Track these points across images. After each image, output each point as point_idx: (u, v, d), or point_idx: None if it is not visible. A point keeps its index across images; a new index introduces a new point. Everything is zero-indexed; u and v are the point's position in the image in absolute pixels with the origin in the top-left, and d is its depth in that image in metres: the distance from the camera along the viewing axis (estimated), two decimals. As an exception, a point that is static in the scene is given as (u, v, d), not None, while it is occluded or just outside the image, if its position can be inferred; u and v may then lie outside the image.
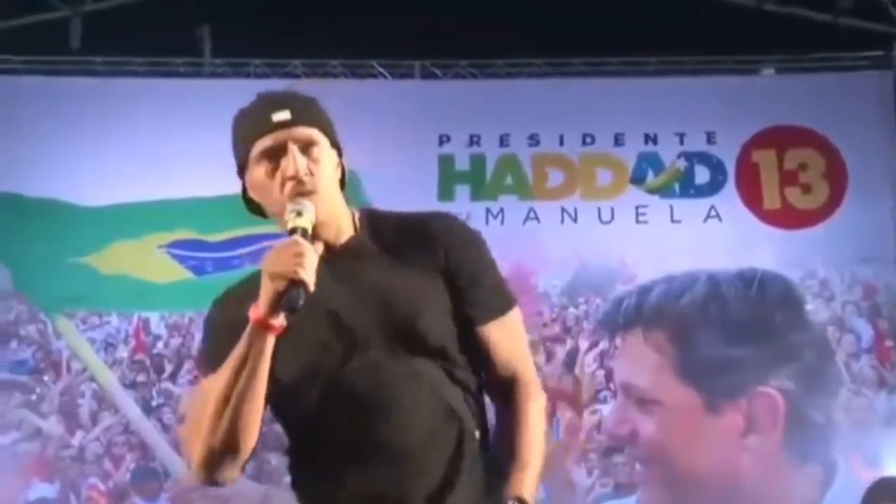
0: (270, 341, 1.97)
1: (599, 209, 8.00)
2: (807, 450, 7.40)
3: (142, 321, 7.81)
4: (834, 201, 8.05)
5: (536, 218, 8.01)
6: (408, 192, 7.41)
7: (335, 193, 2.15)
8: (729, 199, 8.07)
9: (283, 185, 2.09)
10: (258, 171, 2.14)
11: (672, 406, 7.08)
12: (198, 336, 7.79)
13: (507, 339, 2.14)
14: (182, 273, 7.80)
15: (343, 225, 2.16)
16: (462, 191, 8.01)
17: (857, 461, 7.04)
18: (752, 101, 8.15)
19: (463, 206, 7.61)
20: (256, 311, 1.96)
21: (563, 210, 8.00)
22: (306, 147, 2.11)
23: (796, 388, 7.42)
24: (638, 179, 8.11)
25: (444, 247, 2.11)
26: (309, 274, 1.94)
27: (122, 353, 7.72)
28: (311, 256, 1.96)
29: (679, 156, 8.13)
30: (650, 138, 8.13)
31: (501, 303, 2.15)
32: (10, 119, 7.86)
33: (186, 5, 7.81)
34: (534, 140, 8.12)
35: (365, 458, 2.03)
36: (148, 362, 7.73)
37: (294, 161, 2.08)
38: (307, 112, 2.17)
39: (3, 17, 7.99)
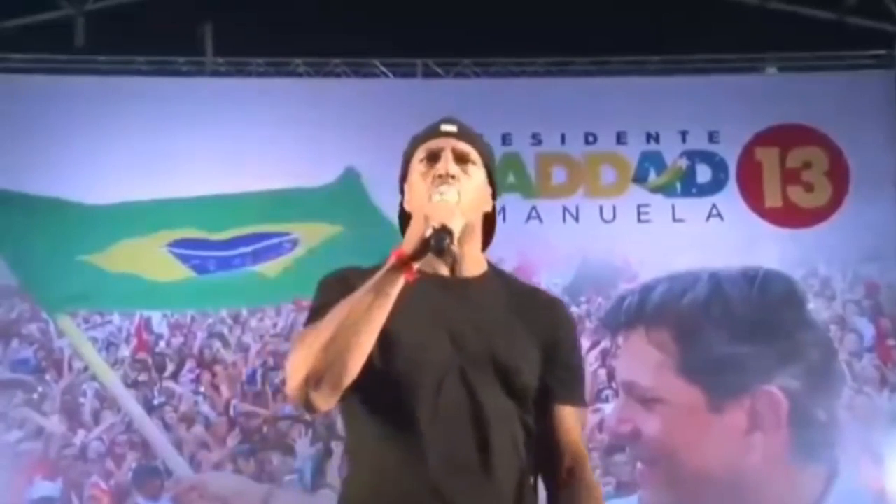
0: (401, 282, 2.05)
1: (602, 208, 8.00)
2: (810, 448, 7.38)
3: (143, 320, 7.81)
4: (836, 200, 8.05)
5: (539, 217, 8.01)
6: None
7: (475, 213, 2.24)
8: (731, 197, 8.07)
9: (431, 183, 2.19)
10: (414, 173, 2.27)
11: (675, 404, 7.05)
12: (200, 335, 7.80)
13: (579, 427, 2.30)
14: (185, 272, 7.80)
15: (475, 255, 2.27)
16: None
17: (860, 460, 7.04)
18: (755, 100, 8.14)
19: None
20: (401, 250, 2.05)
21: (566, 209, 8.00)
22: (462, 159, 2.24)
23: (800, 386, 7.40)
24: (640, 178, 8.11)
25: (553, 325, 2.26)
26: (457, 228, 2.05)
27: (124, 352, 7.72)
28: (459, 220, 2.07)
29: (681, 154, 8.13)
30: (652, 137, 8.13)
31: (582, 398, 2.33)
32: (15, 118, 7.86)
33: (189, 4, 7.81)
34: (536, 139, 8.12)
35: (442, 469, 2.08)
36: (150, 361, 7.72)
37: (447, 163, 2.21)
38: (473, 135, 2.31)
39: (8, 17, 8.00)
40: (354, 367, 2.04)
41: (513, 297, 2.26)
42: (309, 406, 2.08)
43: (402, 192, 2.30)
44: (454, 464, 2.07)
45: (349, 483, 2.19)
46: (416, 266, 2.05)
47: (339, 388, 2.05)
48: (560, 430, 2.25)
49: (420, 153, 2.26)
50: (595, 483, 2.29)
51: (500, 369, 2.15)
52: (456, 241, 2.05)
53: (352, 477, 2.19)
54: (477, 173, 2.24)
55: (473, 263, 2.26)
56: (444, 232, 2.02)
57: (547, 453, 2.23)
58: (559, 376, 2.24)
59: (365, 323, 2.03)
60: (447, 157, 2.22)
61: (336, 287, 2.16)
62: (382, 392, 2.10)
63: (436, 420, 2.08)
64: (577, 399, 2.29)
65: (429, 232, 2.02)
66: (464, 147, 2.25)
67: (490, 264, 2.30)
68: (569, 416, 2.27)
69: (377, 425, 2.13)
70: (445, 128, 2.28)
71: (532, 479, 2.20)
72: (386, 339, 2.07)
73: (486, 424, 2.11)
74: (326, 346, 2.03)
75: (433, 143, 2.26)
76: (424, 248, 2.03)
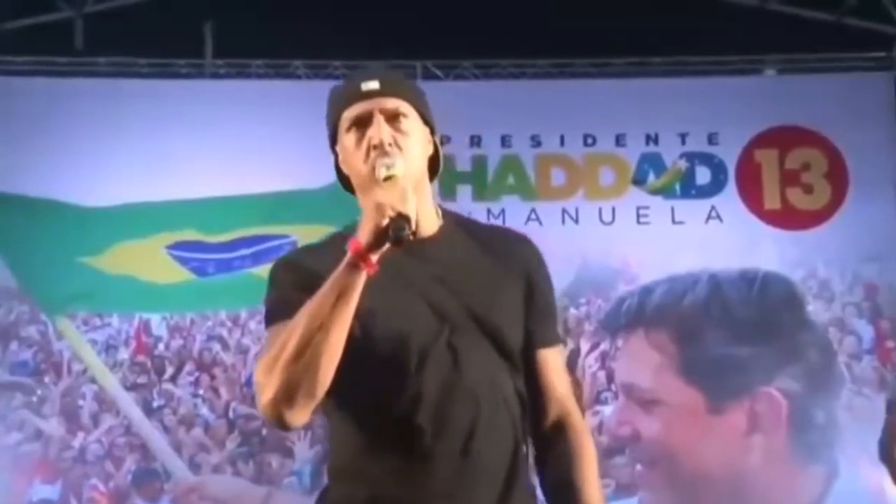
0: (362, 278, 1.94)
1: (601, 209, 8.00)
2: (809, 450, 7.38)
3: (143, 323, 7.81)
4: (835, 202, 8.05)
5: (538, 219, 8.01)
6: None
7: (422, 169, 2.14)
8: (730, 199, 8.07)
9: (367, 153, 2.08)
10: (346, 140, 2.16)
11: (674, 406, 7.05)
12: (199, 338, 7.80)
13: (562, 369, 2.19)
14: (184, 274, 7.79)
15: (428, 210, 2.15)
16: (463, 191, 8.01)
17: (859, 461, 7.03)
18: (755, 102, 8.15)
19: (464, 206, 7.60)
20: (357, 243, 1.94)
21: (565, 211, 8.00)
22: (393, 117, 2.11)
23: (799, 388, 7.40)
24: (640, 180, 8.11)
25: (526, 264, 2.15)
26: (412, 211, 1.93)
27: (123, 354, 7.72)
28: (412, 198, 1.95)
29: (680, 156, 8.13)
30: (652, 139, 8.13)
31: (558, 336, 2.23)
32: (14, 119, 7.87)
33: (188, 6, 7.81)
34: (535, 141, 8.12)
35: (436, 446, 2.00)
36: (149, 364, 7.73)
37: (379, 129, 2.08)
38: (398, 85, 2.16)
39: (8, 19, 8.00)
40: (326, 375, 1.94)
41: (479, 244, 2.15)
42: (282, 423, 1.98)
43: (333, 152, 2.22)
44: (445, 442, 1.99)
45: (331, 476, 2.15)
46: (374, 258, 1.93)
47: (313, 399, 1.96)
48: (545, 376, 2.15)
49: (346, 122, 2.15)
50: (584, 440, 2.16)
51: (486, 328, 2.06)
52: (414, 225, 1.93)
53: (333, 469, 2.15)
54: (412, 126, 2.11)
55: (429, 219, 2.14)
56: (401, 220, 1.91)
57: (532, 405, 2.13)
58: (538, 319, 2.13)
59: (330, 328, 1.93)
60: (378, 121, 2.09)
61: (289, 277, 2.08)
62: (365, 381, 2.01)
63: (424, 398, 1.99)
64: (555, 339, 2.20)
65: (384, 222, 1.91)
66: (392, 104, 2.11)
67: (444, 213, 2.19)
68: (552, 359, 2.17)
69: (363, 415, 2.05)
70: (367, 87, 2.13)
71: (525, 448, 2.11)
72: (361, 325, 1.98)
73: (476, 397, 2.02)
74: (294, 359, 1.93)
75: (358, 108, 2.12)
76: (382, 238, 1.92)
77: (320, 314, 1.93)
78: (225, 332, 7.84)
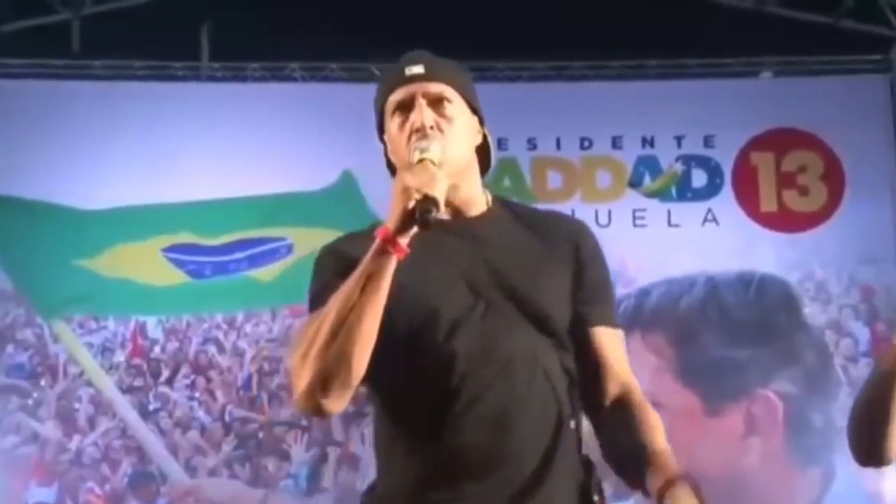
0: (392, 263, 1.92)
1: (597, 212, 8.00)
2: (806, 452, 7.41)
3: (139, 325, 7.80)
4: (832, 204, 8.06)
5: (534, 221, 8.00)
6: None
7: (466, 156, 2.12)
8: (726, 202, 8.07)
9: (408, 138, 2.06)
10: (391, 126, 2.12)
11: (671, 408, 7.08)
12: (195, 340, 7.79)
13: (619, 349, 2.13)
14: (180, 277, 7.79)
15: (475, 194, 2.14)
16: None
17: (855, 464, 7.03)
18: (751, 104, 8.15)
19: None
20: (385, 229, 1.91)
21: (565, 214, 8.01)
22: (437, 102, 2.09)
23: (796, 390, 7.44)
24: (636, 183, 8.11)
25: (576, 242, 2.11)
26: (441, 195, 1.91)
27: (120, 357, 7.71)
28: (443, 181, 1.93)
29: (677, 159, 8.13)
30: (648, 141, 8.13)
31: (614, 317, 2.14)
32: (10, 122, 7.86)
33: (185, 9, 7.80)
34: (531, 143, 8.12)
35: (469, 416, 1.97)
36: (145, 366, 7.71)
37: (421, 113, 2.06)
38: (443, 69, 2.15)
39: (3, 21, 7.99)
40: (359, 361, 1.93)
41: (525, 226, 2.13)
42: (320, 412, 1.97)
43: (382, 142, 2.19)
44: (477, 414, 1.96)
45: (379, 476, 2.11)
46: (404, 241, 1.91)
47: (347, 386, 1.94)
48: (601, 354, 2.08)
49: (390, 107, 2.11)
50: (651, 412, 2.08)
51: (526, 307, 2.02)
52: (442, 208, 1.92)
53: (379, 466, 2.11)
54: (456, 111, 2.10)
55: (475, 203, 2.14)
56: (427, 202, 1.88)
57: (591, 383, 2.08)
58: (587, 299, 2.08)
59: (361, 313, 1.91)
60: (420, 105, 2.07)
61: (331, 265, 2.06)
62: (396, 357, 1.99)
63: (455, 371, 1.97)
64: (610, 319, 2.11)
65: (411, 204, 1.89)
66: (436, 88, 2.09)
67: (495, 198, 2.18)
68: (607, 338, 2.10)
69: (395, 393, 2.03)
70: (410, 71, 2.11)
71: (573, 423, 2.05)
72: (393, 301, 1.96)
73: (510, 369, 1.98)
74: (326, 347, 1.92)
75: (402, 92, 2.09)
76: (409, 222, 1.89)
77: (350, 300, 1.92)
78: (221, 335, 7.83)
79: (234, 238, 7.83)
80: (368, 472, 7.47)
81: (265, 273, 7.78)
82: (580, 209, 7.95)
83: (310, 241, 7.71)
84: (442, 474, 1.97)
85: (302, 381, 1.95)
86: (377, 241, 1.92)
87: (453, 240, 2.05)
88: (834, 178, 8.09)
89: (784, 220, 8.06)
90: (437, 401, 1.98)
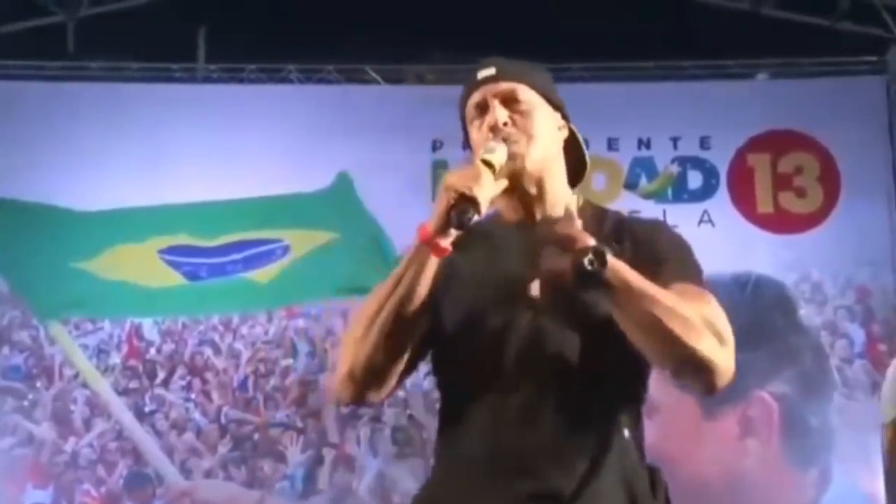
0: (433, 262, 1.93)
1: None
2: (803, 454, 7.41)
3: (134, 327, 7.79)
4: (828, 205, 8.06)
5: (531, 223, 8.00)
6: (401, 197, 7.39)
7: (548, 152, 2.10)
8: (722, 203, 8.07)
9: (485, 139, 2.06)
10: (472, 133, 2.12)
11: (668, 411, 7.07)
12: (191, 342, 7.78)
13: (698, 299, 2.00)
14: (176, 278, 7.79)
15: (559, 194, 2.11)
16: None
17: (852, 464, 7.05)
18: (747, 106, 8.15)
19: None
20: (425, 228, 1.92)
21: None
22: (510, 100, 2.09)
23: (791, 392, 7.44)
24: (632, 184, 8.11)
25: (652, 239, 2.06)
26: (483, 196, 1.90)
27: (115, 359, 7.70)
28: (490, 184, 1.92)
29: (673, 160, 8.13)
30: (644, 143, 8.14)
31: (698, 277, 2.04)
32: (7, 123, 7.85)
33: (182, 11, 7.80)
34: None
35: (517, 419, 1.96)
36: (141, 368, 7.71)
37: (494, 113, 2.07)
38: (515, 69, 2.15)
39: (0, 22, 7.99)
40: (392, 352, 1.95)
41: (607, 229, 2.08)
42: (353, 399, 2.00)
43: (470, 149, 2.16)
44: (530, 425, 1.95)
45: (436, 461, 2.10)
46: (445, 243, 1.91)
47: (384, 377, 1.97)
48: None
49: (470, 112, 2.12)
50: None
51: (581, 313, 1.96)
52: (483, 210, 1.90)
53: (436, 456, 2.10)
54: (532, 107, 2.10)
55: (559, 204, 2.08)
56: (465, 203, 1.87)
57: None
58: (658, 268, 1.98)
59: (398, 311, 1.93)
60: (493, 105, 2.08)
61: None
62: (451, 354, 2.01)
63: (500, 367, 1.96)
64: (687, 277, 2.00)
65: (451, 203, 1.88)
66: (507, 87, 2.10)
67: (587, 203, 2.15)
68: (681, 289, 1.96)
69: (455, 391, 2.04)
70: (482, 74, 2.13)
71: (626, 432, 2.02)
72: (453, 297, 1.98)
73: (563, 377, 1.96)
74: (361, 339, 1.95)
75: (476, 97, 2.11)
76: (448, 222, 1.89)
77: (386, 296, 1.94)
78: (217, 337, 7.82)
79: (231, 240, 7.82)
80: (364, 474, 7.49)
81: (261, 275, 7.78)
82: (576, 211, 7.96)
83: (306, 242, 7.72)
84: (486, 470, 1.96)
85: (342, 366, 1.99)
86: (416, 241, 1.94)
87: (525, 241, 2.01)
88: (830, 180, 8.09)
89: (780, 222, 8.06)
90: (486, 401, 1.98)
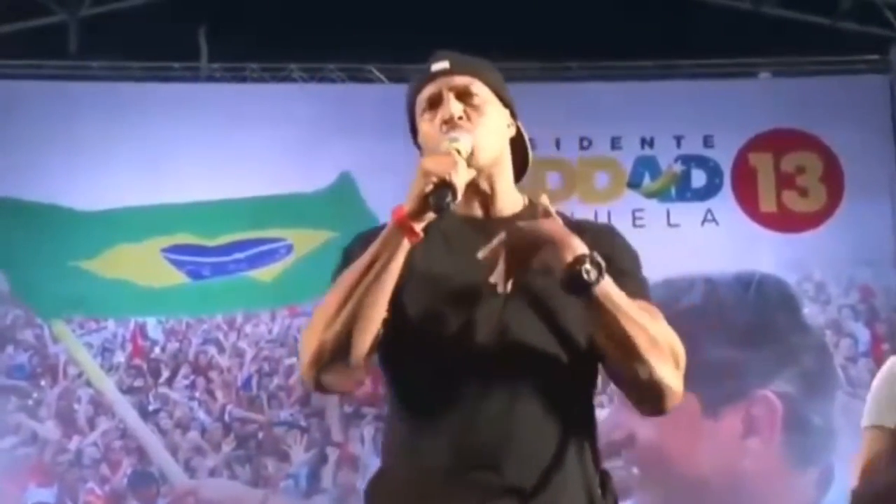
0: (404, 246, 1.93)
1: (596, 213, 7.99)
2: (805, 453, 7.41)
3: (139, 326, 7.80)
4: (831, 204, 8.06)
5: (533, 222, 7.99)
6: (404, 196, 7.38)
7: (498, 148, 2.12)
8: (725, 202, 8.07)
9: (439, 132, 2.05)
10: (422, 125, 2.12)
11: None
12: (195, 341, 7.79)
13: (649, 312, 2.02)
14: (179, 278, 7.80)
15: (508, 191, 2.15)
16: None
17: (854, 465, 7.04)
18: (750, 105, 8.15)
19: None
20: (400, 210, 1.92)
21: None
22: (464, 94, 2.10)
23: (795, 391, 7.44)
24: (635, 183, 8.11)
25: (603, 244, 2.02)
26: (459, 182, 1.91)
27: (119, 357, 7.71)
28: (464, 171, 1.94)
29: (676, 159, 8.13)
30: (647, 142, 8.14)
31: (646, 293, 2.08)
32: (9, 123, 7.85)
33: (184, 10, 7.80)
34: (531, 144, 8.11)
35: (477, 412, 1.96)
36: (145, 367, 7.72)
37: (449, 105, 2.07)
38: (469, 63, 2.15)
39: (1, 22, 7.98)
40: (361, 340, 1.93)
41: None
42: (319, 387, 1.98)
43: (417, 146, 2.17)
44: (490, 419, 1.95)
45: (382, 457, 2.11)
46: (418, 226, 1.92)
47: (348, 364, 1.94)
48: None
49: (420, 104, 2.12)
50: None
51: (543, 309, 1.98)
52: (460, 195, 1.91)
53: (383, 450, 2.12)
54: (485, 102, 2.11)
55: (509, 200, 2.14)
56: (444, 187, 1.88)
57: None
58: (628, 284, 1.99)
59: (367, 294, 1.92)
60: (448, 98, 2.07)
61: (356, 250, 2.04)
62: (410, 350, 1.99)
63: (469, 371, 1.96)
64: (639, 294, 2.02)
65: (428, 188, 1.89)
66: (462, 80, 2.10)
67: (531, 201, 2.17)
68: None
69: (410, 383, 2.03)
70: (436, 67, 2.12)
71: (586, 430, 2.05)
72: (414, 294, 1.98)
73: (524, 371, 1.97)
74: (329, 322, 1.93)
75: (429, 90, 2.10)
76: (424, 206, 1.90)
77: (359, 278, 1.93)
78: (221, 336, 7.83)
79: (234, 239, 7.83)
80: (368, 473, 7.49)
81: (265, 273, 7.79)
82: (579, 210, 7.95)
83: (309, 241, 7.73)
84: (445, 470, 1.96)
85: (306, 353, 1.96)
86: (390, 221, 1.93)
87: (480, 237, 2.01)
88: (833, 179, 8.09)
89: (783, 221, 8.06)
90: (446, 395, 1.97)
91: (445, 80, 2.10)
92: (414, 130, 2.18)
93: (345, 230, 8.37)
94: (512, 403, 1.96)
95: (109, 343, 7.75)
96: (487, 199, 2.12)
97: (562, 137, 8.12)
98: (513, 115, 2.20)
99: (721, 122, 8.10)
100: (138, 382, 7.68)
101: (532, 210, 2.10)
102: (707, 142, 8.15)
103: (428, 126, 2.10)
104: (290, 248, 7.79)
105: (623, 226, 8.05)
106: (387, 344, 1.99)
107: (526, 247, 1.93)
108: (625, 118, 8.08)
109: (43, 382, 7.62)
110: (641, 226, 8.02)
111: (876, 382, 3.07)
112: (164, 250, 7.78)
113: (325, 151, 7.76)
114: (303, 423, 7.59)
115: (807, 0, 8.26)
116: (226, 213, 7.83)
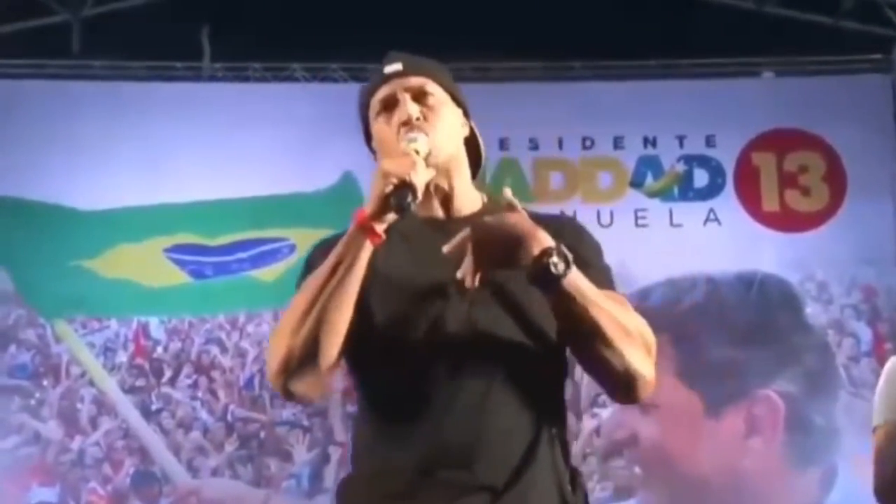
0: (367, 248, 1.93)
1: (599, 212, 8.00)
2: (807, 453, 7.41)
3: (141, 326, 7.80)
4: (833, 204, 8.06)
5: (536, 221, 7.99)
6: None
7: (454, 148, 2.12)
8: (728, 202, 8.07)
9: (397, 133, 2.06)
10: (377, 128, 2.12)
11: (672, 409, 7.08)
12: (197, 341, 7.79)
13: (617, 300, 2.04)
14: (182, 277, 7.81)
15: (466, 190, 2.15)
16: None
17: (857, 464, 7.04)
18: (753, 104, 8.15)
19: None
20: (361, 212, 1.93)
21: (563, 214, 7.99)
22: (420, 95, 2.10)
23: (797, 391, 7.44)
24: (637, 183, 8.11)
25: (565, 237, 2.00)
26: (419, 182, 1.92)
27: (122, 357, 7.72)
28: (423, 171, 1.94)
29: (678, 159, 8.13)
30: (650, 141, 8.14)
31: (612, 284, 2.09)
32: (11, 123, 7.86)
33: (186, 9, 7.81)
34: (533, 144, 8.12)
35: (447, 411, 1.96)
36: (147, 367, 7.72)
37: (405, 106, 2.07)
38: (422, 64, 2.16)
39: (3, 22, 7.99)
40: (329, 346, 1.92)
41: None
42: (289, 394, 1.97)
43: (372, 151, 2.18)
44: (460, 418, 1.95)
45: (352, 461, 2.10)
46: (380, 228, 1.92)
47: (317, 370, 1.93)
48: None
49: (375, 107, 2.12)
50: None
51: (510, 306, 1.99)
52: (420, 195, 1.92)
53: (353, 457, 2.11)
54: (440, 102, 2.11)
55: (468, 199, 2.14)
56: (404, 188, 1.89)
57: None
58: (594, 275, 2.00)
59: (331, 298, 1.91)
60: (404, 99, 2.07)
61: (318, 256, 2.05)
62: (379, 352, 1.99)
63: (438, 371, 1.96)
64: (605, 285, 2.03)
65: (388, 189, 1.89)
66: (416, 82, 2.10)
67: (489, 197, 2.17)
68: None
69: (379, 385, 2.03)
70: (390, 69, 2.12)
71: (554, 429, 2.03)
72: (380, 296, 1.98)
73: (493, 370, 1.97)
74: (296, 328, 1.92)
75: (383, 92, 2.10)
76: (385, 207, 1.90)
77: (323, 283, 1.93)
78: (223, 335, 7.83)
79: (236, 238, 7.84)
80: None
81: (267, 273, 7.79)
82: (581, 209, 7.96)
83: (311, 241, 7.59)
84: (415, 469, 1.96)
85: (273, 359, 1.96)
86: (352, 224, 1.94)
87: (441, 236, 2.00)
88: (835, 179, 8.09)
89: (786, 220, 8.06)
90: (416, 395, 1.97)
91: (400, 81, 2.11)
92: (367, 133, 2.18)
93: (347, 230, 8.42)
94: (483, 401, 1.97)
95: (112, 343, 7.75)
96: (447, 199, 2.12)
97: (564, 137, 8.12)
98: (466, 114, 2.19)
99: (723, 122, 8.10)
100: (140, 382, 7.69)
101: (491, 208, 2.10)
102: (709, 141, 8.15)
103: (384, 128, 2.10)
104: (292, 248, 7.79)
105: (626, 226, 8.14)
106: (354, 348, 1.98)
107: (492, 241, 1.92)
108: (627, 118, 8.08)
109: (45, 382, 7.63)
110: (644, 225, 8.03)
111: (880, 383, 3.10)
112: (167, 250, 7.78)
113: (328, 151, 7.75)
114: (305, 423, 7.59)
115: (809, -1, 8.27)
116: (228, 213, 7.83)
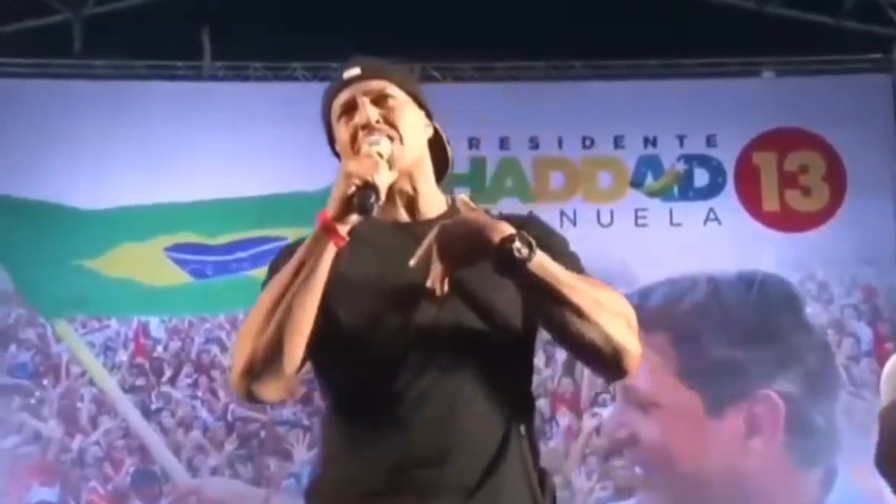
0: (330, 250, 1.92)
1: (599, 212, 8.00)
2: (808, 453, 7.41)
3: (141, 325, 7.81)
4: (834, 204, 8.06)
5: (536, 221, 7.99)
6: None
7: (417, 150, 2.12)
8: (728, 201, 8.07)
9: (359, 136, 2.08)
10: (339, 132, 2.15)
11: (672, 409, 7.09)
12: (197, 340, 7.80)
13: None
14: (182, 277, 7.81)
15: (431, 193, 2.16)
16: (461, 193, 7.99)
17: (857, 464, 7.05)
18: (753, 104, 8.15)
19: (463, 210, 7.59)
20: (324, 214, 1.93)
21: (563, 213, 7.98)
22: (379, 98, 2.11)
23: (797, 391, 7.44)
24: (638, 182, 8.11)
25: (523, 229, 1.98)
26: (382, 183, 1.93)
27: (122, 356, 7.72)
28: (386, 173, 1.96)
29: (679, 159, 8.13)
30: (650, 141, 8.14)
31: (580, 268, 2.06)
32: (11, 122, 7.86)
33: (187, 9, 7.81)
34: (533, 143, 8.12)
35: (415, 414, 1.97)
36: (147, 366, 7.73)
37: (364, 109, 2.09)
38: (381, 68, 2.17)
39: (4, 21, 7.99)
40: (292, 348, 1.91)
41: None
42: (252, 397, 1.96)
43: (336, 156, 2.20)
44: (427, 421, 1.96)
45: (321, 464, 2.12)
46: (343, 230, 1.92)
47: (280, 373, 1.92)
48: None
49: (336, 112, 2.14)
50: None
51: (478, 308, 1.99)
52: (383, 196, 1.92)
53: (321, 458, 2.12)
54: (401, 105, 2.11)
55: (432, 202, 2.15)
56: (367, 189, 1.89)
57: None
58: (565, 264, 1.98)
59: (294, 300, 1.91)
60: (363, 103, 2.09)
61: (283, 260, 2.02)
62: (346, 355, 1.99)
63: (399, 371, 1.96)
64: (580, 271, 2.02)
65: (351, 190, 1.90)
66: (376, 85, 2.12)
67: (453, 199, 2.16)
68: None
69: (345, 389, 2.04)
70: (349, 74, 2.15)
71: (522, 428, 2.03)
72: (345, 300, 1.97)
73: (460, 371, 1.97)
74: (259, 331, 1.92)
75: (343, 97, 2.13)
76: (348, 208, 1.90)
77: (286, 285, 1.92)
78: (223, 335, 7.83)
79: (237, 238, 7.84)
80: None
81: (267, 273, 7.79)
82: (582, 209, 7.98)
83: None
84: (387, 468, 1.96)
85: (237, 362, 1.96)
86: (316, 226, 1.93)
87: (407, 239, 2.02)
88: (836, 178, 8.09)
89: (786, 220, 8.06)
90: (385, 396, 1.97)
91: (359, 85, 2.12)
92: (331, 137, 2.20)
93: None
94: (453, 400, 1.97)
95: (112, 342, 7.76)
96: (412, 202, 2.13)
97: (564, 136, 8.12)
98: (428, 115, 2.19)
99: (724, 122, 8.10)
100: (141, 381, 7.69)
101: (457, 210, 2.11)
102: (710, 141, 8.15)
103: (345, 131, 2.11)
104: (293, 248, 7.79)
105: (626, 225, 8.14)
106: (320, 351, 1.98)
107: (454, 242, 1.93)
108: (628, 117, 8.08)
109: (45, 381, 7.63)
110: (644, 225, 8.03)
111: (882, 379, 3.10)
112: (167, 249, 7.79)
113: (328, 150, 7.74)
114: (305, 422, 7.59)
115: (810, -1, 8.27)
116: (229, 212, 7.83)
